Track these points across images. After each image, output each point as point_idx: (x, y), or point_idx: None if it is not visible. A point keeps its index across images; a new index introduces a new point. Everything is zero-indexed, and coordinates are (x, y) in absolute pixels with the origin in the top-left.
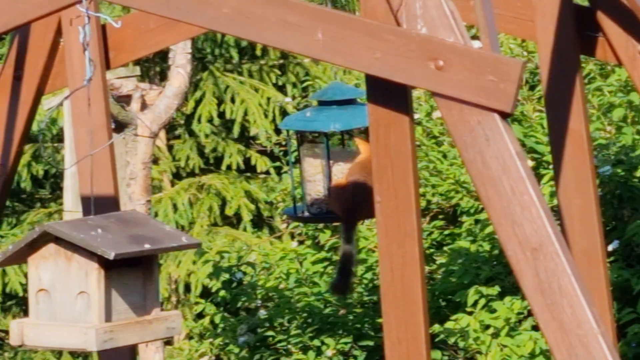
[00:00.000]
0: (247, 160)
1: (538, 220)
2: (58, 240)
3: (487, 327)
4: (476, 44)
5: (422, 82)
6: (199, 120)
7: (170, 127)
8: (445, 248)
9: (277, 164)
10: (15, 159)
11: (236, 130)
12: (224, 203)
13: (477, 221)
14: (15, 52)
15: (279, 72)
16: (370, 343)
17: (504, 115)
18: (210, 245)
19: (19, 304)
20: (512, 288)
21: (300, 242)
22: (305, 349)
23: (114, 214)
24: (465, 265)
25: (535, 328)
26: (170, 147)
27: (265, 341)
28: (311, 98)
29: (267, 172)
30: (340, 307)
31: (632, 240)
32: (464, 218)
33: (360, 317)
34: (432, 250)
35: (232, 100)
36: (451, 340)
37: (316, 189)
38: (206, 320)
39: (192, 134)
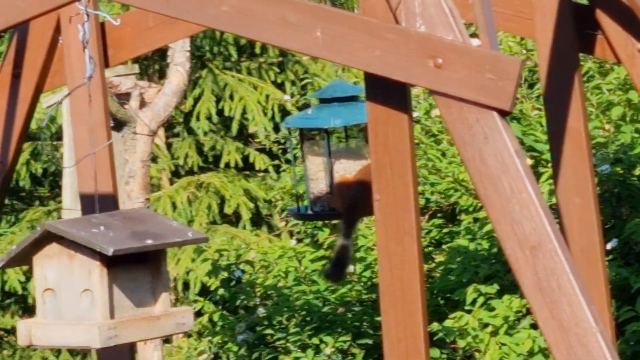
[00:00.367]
0: (245, 158)
1: (537, 219)
2: (60, 239)
3: (486, 325)
4: (475, 42)
5: (421, 80)
6: (198, 118)
7: (169, 125)
8: (444, 246)
9: (276, 162)
10: (14, 157)
11: (235, 128)
12: (222, 201)
13: (476, 219)
14: (14, 50)
15: (277, 70)
16: (369, 341)
17: (503, 114)
18: (209, 243)
19: (17, 302)
20: (510, 286)
21: (299, 240)
22: (304, 347)
23: (120, 212)
24: (464, 263)
25: (534, 326)
26: (169, 145)
27: (264, 339)
28: (312, 96)
29: (266, 170)
30: (339, 305)
31: (630, 239)
32: (463, 216)
33: (359, 315)
34: (431, 248)
35: (231, 98)
36: (450, 339)
37: (319, 187)
38: (205, 319)
39: (190, 132)
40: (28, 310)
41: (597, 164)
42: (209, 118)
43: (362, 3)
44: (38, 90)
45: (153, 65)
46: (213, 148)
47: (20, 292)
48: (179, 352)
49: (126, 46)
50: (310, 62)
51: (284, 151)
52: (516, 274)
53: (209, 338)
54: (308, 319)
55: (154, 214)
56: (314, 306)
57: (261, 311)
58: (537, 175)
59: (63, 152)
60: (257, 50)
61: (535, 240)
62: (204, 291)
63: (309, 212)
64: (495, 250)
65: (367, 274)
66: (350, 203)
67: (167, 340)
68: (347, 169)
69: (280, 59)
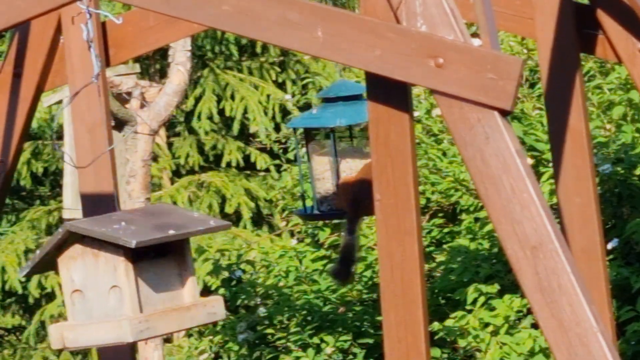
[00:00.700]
0: (246, 158)
1: (538, 219)
2: (82, 239)
3: (487, 325)
4: (476, 41)
5: (422, 79)
6: (199, 118)
7: (170, 125)
8: (444, 246)
9: (277, 161)
10: (15, 157)
11: (236, 127)
12: (223, 201)
13: (476, 219)
14: (15, 49)
15: (278, 70)
16: (370, 341)
17: (504, 113)
18: (210, 243)
19: (18, 301)
20: (511, 286)
21: (300, 240)
22: (304, 347)
23: (140, 208)
24: (465, 263)
25: (535, 326)
26: (170, 145)
27: (265, 339)
28: (317, 96)
29: (267, 170)
30: (340, 304)
31: (631, 239)
32: (464, 216)
33: (359, 314)
34: (431, 248)
35: (232, 98)
36: (450, 338)
37: (325, 186)
38: None
39: (191, 131)
40: (28, 310)
41: (598, 164)
42: (210, 117)
43: (363, 2)
44: (39, 90)
45: (154, 64)
46: (214, 147)
47: (20, 291)
48: (180, 352)
49: (127, 45)
50: (311, 62)
51: (285, 151)
52: (517, 273)
53: (210, 337)
54: (309, 318)
55: (174, 207)
56: (315, 306)
57: (262, 311)
58: (538, 175)
59: (64, 151)
60: (258, 49)
61: (536, 240)
62: (206, 291)
63: (316, 212)
64: (496, 250)
65: (368, 273)
66: (353, 200)
67: (167, 339)
68: (353, 168)
69: (281, 58)
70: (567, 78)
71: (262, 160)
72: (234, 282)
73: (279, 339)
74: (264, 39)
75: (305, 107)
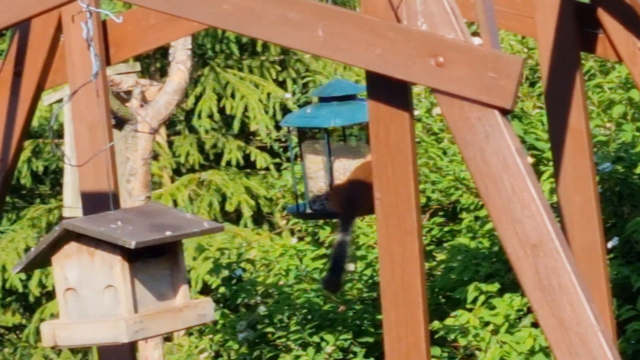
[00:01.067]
0: (247, 157)
1: (538, 217)
2: (79, 237)
3: (487, 323)
4: (476, 40)
5: (423, 78)
6: (199, 116)
7: (170, 123)
8: (445, 245)
9: (277, 160)
10: (15, 155)
11: (236, 126)
12: (224, 199)
13: (477, 218)
14: (15, 48)
15: (279, 68)
16: (370, 339)
17: (504, 112)
18: (210, 241)
19: (18, 300)
20: (511, 285)
21: (300, 239)
22: (304, 345)
23: (134, 207)
24: (465, 262)
25: (535, 325)
26: (170, 143)
27: (265, 337)
28: (312, 95)
29: (267, 168)
30: (340, 303)
31: (631, 237)
32: (464, 215)
33: (360, 313)
34: (432, 247)
35: (233, 96)
36: (451, 337)
37: (318, 185)
38: None
39: (192, 130)
40: (29, 308)
41: (598, 163)
42: (211, 116)
43: (364, 2)
44: (39, 89)
45: (154, 63)
46: (214, 146)
47: (21, 290)
48: (180, 350)
49: (127, 44)
50: (312, 60)
51: (285, 149)
52: (517, 272)
53: (210, 336)
54: (309, 317)
55: (167, 207)
56: (315, 304)
57: (262, 309)
58: (538, 174)
59: (64, 150)
60: (259, 48)
61: (536, 239)
62: (206, 289)
63: (308, 210)
64: (496, 248)
65: (368, 272)
66: (345, 201)
67: (167, 338)
68: (346, 168)
69: (281, 57)
70: (567, 77)
71: (262, 159)
72: (234, 281)
73: (279, 337)
74: (265, 38)
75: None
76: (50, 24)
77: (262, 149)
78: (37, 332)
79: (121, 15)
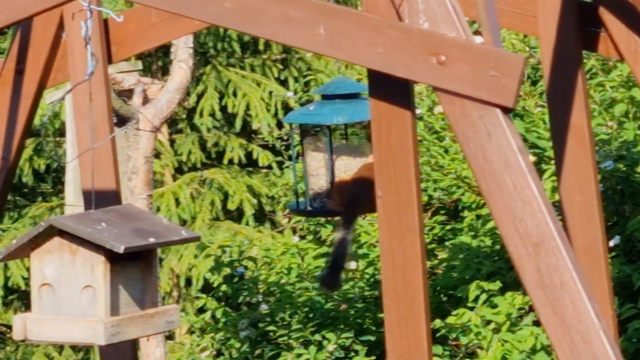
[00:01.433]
0: (249, 155)
1: (539, 216)
2: (62, 234)
3: (489, 322)
4: (478, 39)
5: (424, 77)
6: (201, 115)
7: (172, 122)
8: (446, 243)
9: (279, 158)
10: (17, 153)
11: (238, 124)
12: (225, 197)
13: (478, 216)
14: (17, 46)
15: (281, 66)
16: (372, 338)
17: (506, 110)
18: (212, 239)
19: (20, 297)
20: (513, 283)
21: (302, 237)
22: (306, 344)
23: (112, 208)
24: (467, 260)
25: (537, 323)
26: (172, 142)
27: (267, 336)
28: (315, 92)
29: (269, 167)
30: (342, 302)
31: (633, 236)
32: (466, 213)
33: (361, 312)
34: (433, 245)
35: (234, 95)
36: (452, 336)
37: (319, 183)
38: (207, 315)
39: (194, 128)
40: (31, 306)
41: (600, 161)
42: (213, 114)
43: (365, 0)
44: (41, 87)
45: (156, 61)
46: (216, 144)
47: (23, 288)
48: (182, 349)
49: (129, 43)
50: (314, 59)
51: (287, 147)
52: (519, 270)
53: (212, 334)
54: (311, 315)
55: (143, 210)
56: (317, 303)
57: (264, 308)
58: (540, 172)
59: (66, 148)
60: (261, 46)
61: (538, 237)
62: (207, 287)
63: (308, 208)
64: (498, 247)
65: (370, 270)
66: (348, 200)
67: (169, 336)
68: (348, 166)
69: (283, 55)
70: (569, 75)
71: (264, 157)
72: (235, 279)
73: (281, 336)
74: (266, 36)
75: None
76: (51, 22)
77: (264, 147)
78: None
79: (122, 13)
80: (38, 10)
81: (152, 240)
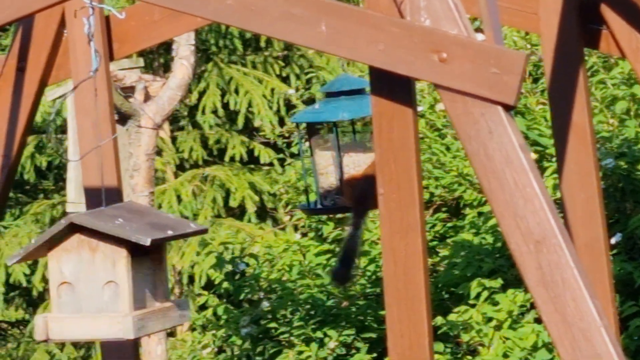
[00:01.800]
0: (250, 152)
1: (541, 213)
2: (81, 232)
3: (490, 319)
4: (480, 36)
5: (426, 74)
6: (203, 112)
7: (174, 119)
8: (448, 240)
9: (281, 155)
10: (18, 150)
11: (240, 121)
12: (227, 194)
13: (480, 214)
14: (18, 43)
15: (282, 64)
16: (373, 335)
17: (508, 108)
18: (214, 236)
19: (22, 295)
20: (514, 281)
21: (304, 234)
22: (307, 341)
23: (119, 205)
24: (468, 257)
25: (538, 321)
26: (173, 139)
27: (268, 333)
28: (320, 90)
29: (271, 164)
30: (343, 299)
31: (634, 234)
32: (467, 210)
33: (363, 309)
34: (435, 242)
35: (236, 92)
36: (454, 333)
37: (329, 181)
38: (209, 312)
39: (195, 125)
40: (32, 303)
41: (601, 159)
42: (214, 112)
43: None
44: (42, 84)
45: (158, 58)
46: (218, 142)
47: (24, 284)
48: (183, 346)
49: (131, 40)
50: (315, 56)
51: (289, 145)
52: (520, 268)
53: (213, 332)
54: (312, 312)
55: (147, 207)
56: (318, 300)
57: (265, 305)
58: (542, 170)
59: (67, 145)
60: (262, 44)
61: (539, 235)
62: (210, 284)
63: (319, 206)
64: (499, 244)
65: (372, 268)
66: (359, 195)
67: (170, 333)
68: (356, 163)
69: (285, 52)
70: (570, 73)
71: (266, 154)
72: (237, 276)
73: (282, 333)
74: (268, 33)
75: (309, 101)
76: (53, 20)
77: (266, 144)
78: None
79: (124, 10)
80: (40, 7)
81: (170, 232)
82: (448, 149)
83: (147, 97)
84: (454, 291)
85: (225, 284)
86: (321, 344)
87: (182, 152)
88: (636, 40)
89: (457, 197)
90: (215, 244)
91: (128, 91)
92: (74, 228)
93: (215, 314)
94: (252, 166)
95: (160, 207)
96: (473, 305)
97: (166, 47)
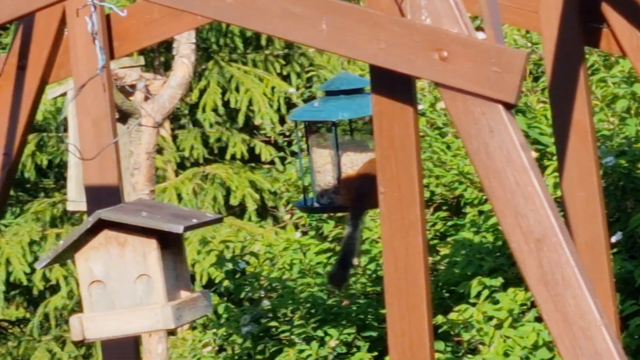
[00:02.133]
0: (251, 150)
1: (542, 212)
2: (108, 228)
3: (490, 318)
4: (480, 35)
5: (426, 72)
6: (204, 110)
7: (174, 117)
8: (448, 239)
9: (282, 153)
10: (19, 149)
11: (241, 119)
12: (228, 193)
13: (480, 212)
14: (19, 41)
15: (283, 62)
16: (374, 334)
17: (508, 107)
18: (214, 234)
19: (22, 293)
20: (515, 279)
21: (304, 233)
22: (308, 340)
23: (135, 201)
24: (469, 256)
25: (539, 319)
26: (174, 137)
27: (269, 331)
28: (319, 88)
29: (272, 162)
30: (344, 298)
31: (635, 232)
32: (468, 209)
33: (363, 307)
34: (435, 241)
35: (237, 90)
36: (454, 332)
37: (326, 179)
38: None
39: (196, 123)
40: (33, 302)
41: (602, 157)
42: (215, 110)
43: None
44: (43, 82)
45: (158, 57)
46: (219, 140)
47: (25, 283)
48: (184, 344)
49: (131, 38)
50: (316, 55)
51: (290, 143)
52: (521, 266)
53: (214, 330)
54: (313, 311)
55: (159, 202)
56: (319, 298)
57: (266, 303)
58: (542, 168)
59: (68, 143)
60: (263, 42)
61: (540, 233)
62: (211, 283)
63: (316, 204)
64: (500, 243)
65: (372, 266)
66: (356, 195)
67: (171, 332)
68: (354, 162)
69: (285, 51)
70: (571, 71)
71: (266, 153)
72: (238, 275)
73: (283, 331)
74: (268, 32)
75: (310, 100)
76: (54, 18)
77: (267, 142)
78: (41, 325)
79: (125, 9)
80: (40, 6)
81: (195, 221)
82: (449, 147)
83: (148, 96)
84: (455, 290)
85: (226, 283)
86: (322, 342)
87: (183, 150)
88: (637, 38)
89: (457, 195)
90: (216, 242)
91: (129, 89)
92: (100, 225)
93: (215, 312)
94: (253, 164)
95: None
96: (473, 304)
97: (167, 46)
